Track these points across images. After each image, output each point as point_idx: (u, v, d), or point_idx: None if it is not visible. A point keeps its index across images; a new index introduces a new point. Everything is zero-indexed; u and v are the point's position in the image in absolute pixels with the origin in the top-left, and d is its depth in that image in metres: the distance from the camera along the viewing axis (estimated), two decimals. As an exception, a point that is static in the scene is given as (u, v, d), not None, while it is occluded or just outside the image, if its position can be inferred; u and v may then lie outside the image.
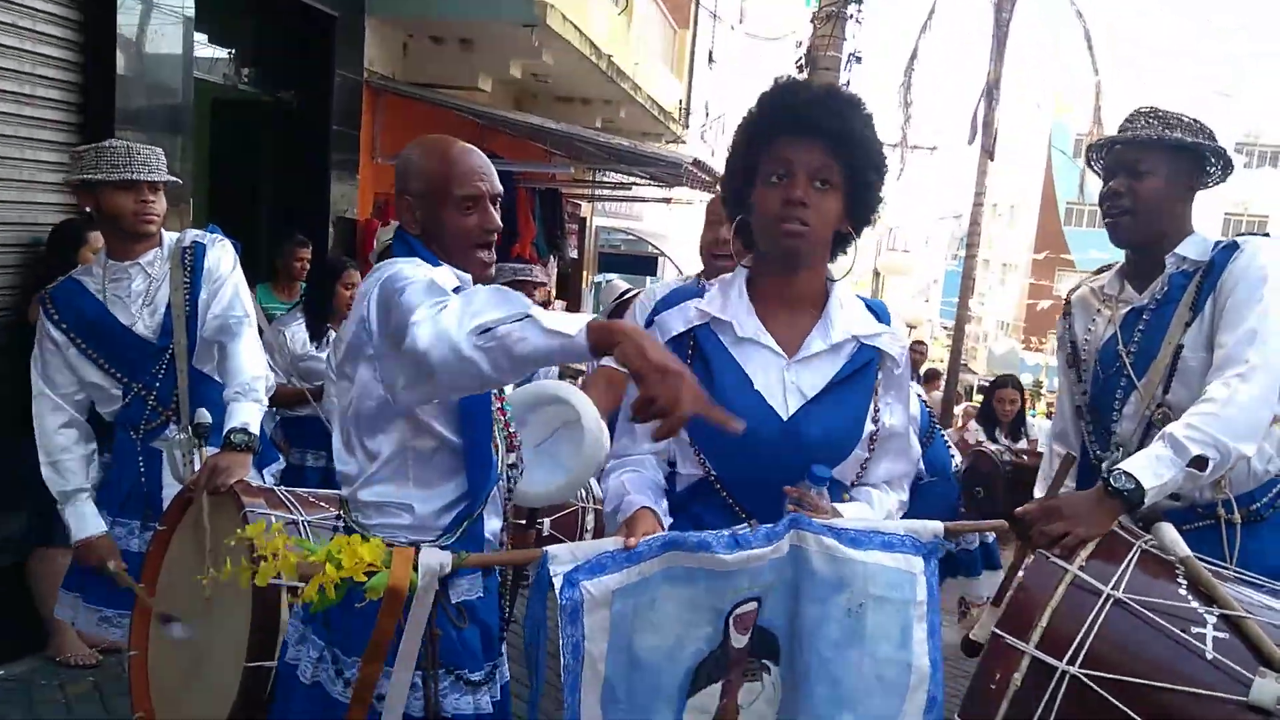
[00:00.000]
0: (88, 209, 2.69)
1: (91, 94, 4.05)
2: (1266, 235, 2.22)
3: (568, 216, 10.25)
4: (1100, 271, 2.67)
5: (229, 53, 5.66)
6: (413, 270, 1.66)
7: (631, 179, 9.98)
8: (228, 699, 1.94)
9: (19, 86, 3.79)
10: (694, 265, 2.87)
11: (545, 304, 5.42)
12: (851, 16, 9.32)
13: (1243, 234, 2.25)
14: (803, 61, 9.86)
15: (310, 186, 6.05)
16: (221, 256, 2.74)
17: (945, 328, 26.49)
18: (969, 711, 1.49)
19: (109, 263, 2.69)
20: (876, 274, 14.62)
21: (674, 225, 13.44)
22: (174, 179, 2.77)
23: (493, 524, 1.82)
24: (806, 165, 1.66)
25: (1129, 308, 2.26)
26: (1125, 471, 1.80)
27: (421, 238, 1.82)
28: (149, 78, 4.28)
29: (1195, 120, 2.24)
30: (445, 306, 1.46)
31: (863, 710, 1.51)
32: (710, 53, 13.30)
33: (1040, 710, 1.46)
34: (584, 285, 12.51)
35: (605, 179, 10.75)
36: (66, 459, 2.59)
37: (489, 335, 1.39)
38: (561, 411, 2.08)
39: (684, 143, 12.16)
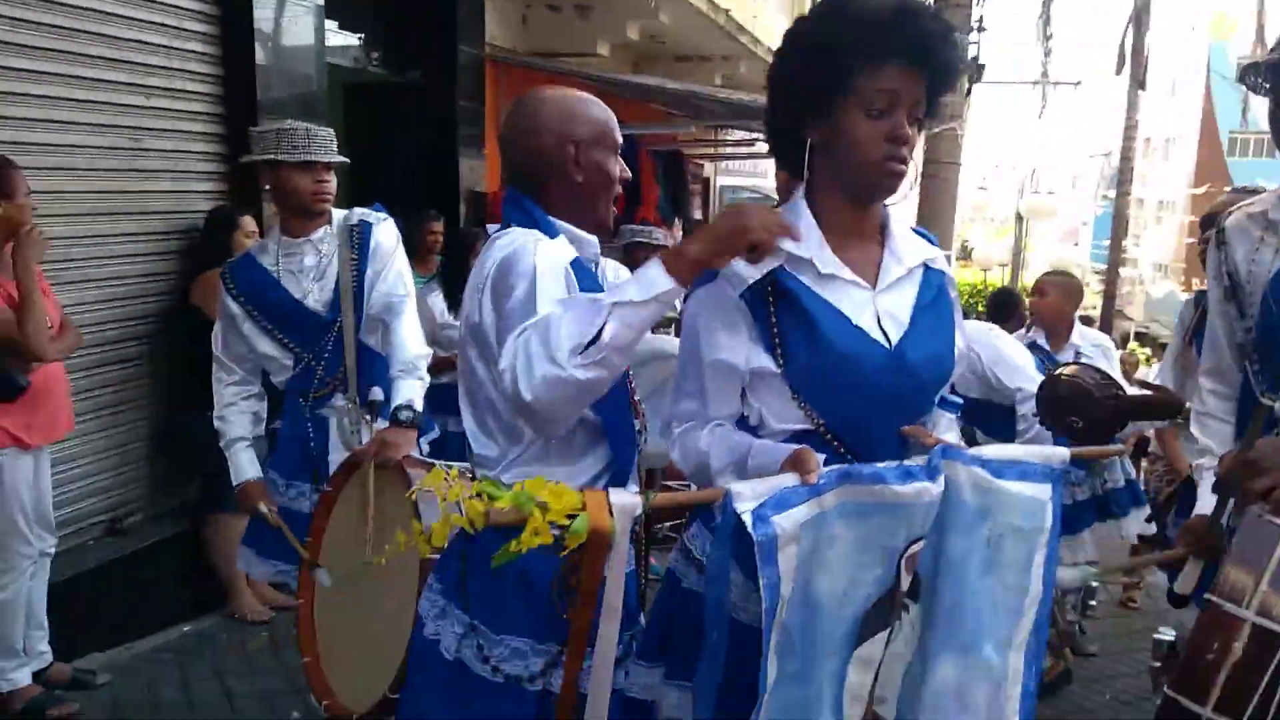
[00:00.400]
0: (267, 186, 2.82)
1: (233, 85, 4.28)
2: None
3: (691, 177, 10.19)
4: (1251, 194, 2.48)
5: (359, 37, 5.86)
6: (527, 262, 1.59)
7: (754, 135, 9.83)
8: (391, 668, 2.01)
9: (169, 82, 4.04)
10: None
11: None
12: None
13: None
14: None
15: (440, 162, 6.23)
16: (386, 235, 2.83)
17: (1097, 272, 25.06)
18: (1183, 685, 1.41)
19: (283, 239, 2.82)
20: (1019, 217, 13.91)
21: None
22: (345, 159, 2.88)
23: (632, 489, 1.77)
24: (910, 98, 1.53)
25: None
26: None
27: (550, 195, 1.75)
28: (286, 66, 4.49)
29: None
30: (530, 343, 1.41)
31: (993, 636, 1.48)
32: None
33: (1266, 680, 1.36)
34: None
35: (727, 137, 10.63)
36: (231, 413, 2.78)
37: (593, 350, 1.36)
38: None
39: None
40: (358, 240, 2.77)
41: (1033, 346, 4.27)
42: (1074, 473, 4.01)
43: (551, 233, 1.71)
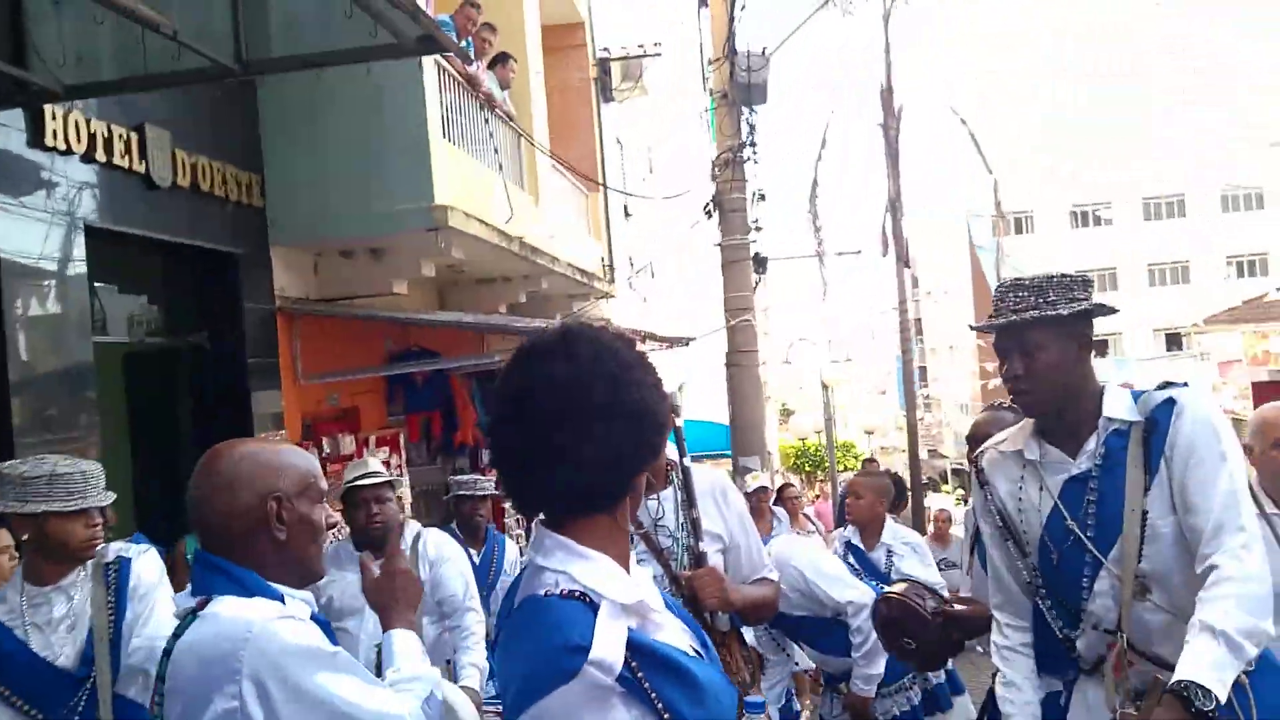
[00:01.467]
0: (25, 536, 2.53)
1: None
2: (1185, 384, 2.18)
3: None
4: (992, 415, 2.63)
5: (137, 307, 5.64)
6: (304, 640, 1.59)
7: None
8: None
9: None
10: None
11: (491, 516, 5.28)
12: (748, 160, 9.66)
13: (1166, 384, 2.19)
14: (710, 208, 10.17)
15: (232, 422, 5.94)
16: (146, 570, 2.60)
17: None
18: None
19: (27, 587, 2.53)
20: (825, 386, 14.83)
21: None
22: (113, 495, 2.64)
23: None
24: None
25: (1066, 475, 2.17)
26: (1201, 687, 1.76)
27: (254, 555, 1.67)
28: (46, 347, 4.21)
29: (1064, 276, 2.22)
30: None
31: None
32: (625, 208, 13.66)
33: None
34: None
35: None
36: None
37: None
38: None
39: (614, 296, 12.34)
40: (114, 580, 2.53)
41: (848, 546, 4.40)
42: (907, 676, 4.07)
43: (271, 595, 1.65)
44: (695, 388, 16.99)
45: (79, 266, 4.40)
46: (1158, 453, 2.07)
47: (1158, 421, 2.09)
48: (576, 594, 1.33)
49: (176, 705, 1.59)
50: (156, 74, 3.84)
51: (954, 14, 42.19)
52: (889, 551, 4.37)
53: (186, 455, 5.89)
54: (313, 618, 1.70)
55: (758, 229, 10.19)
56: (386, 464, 7.48)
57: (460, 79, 7.12)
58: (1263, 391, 19.29)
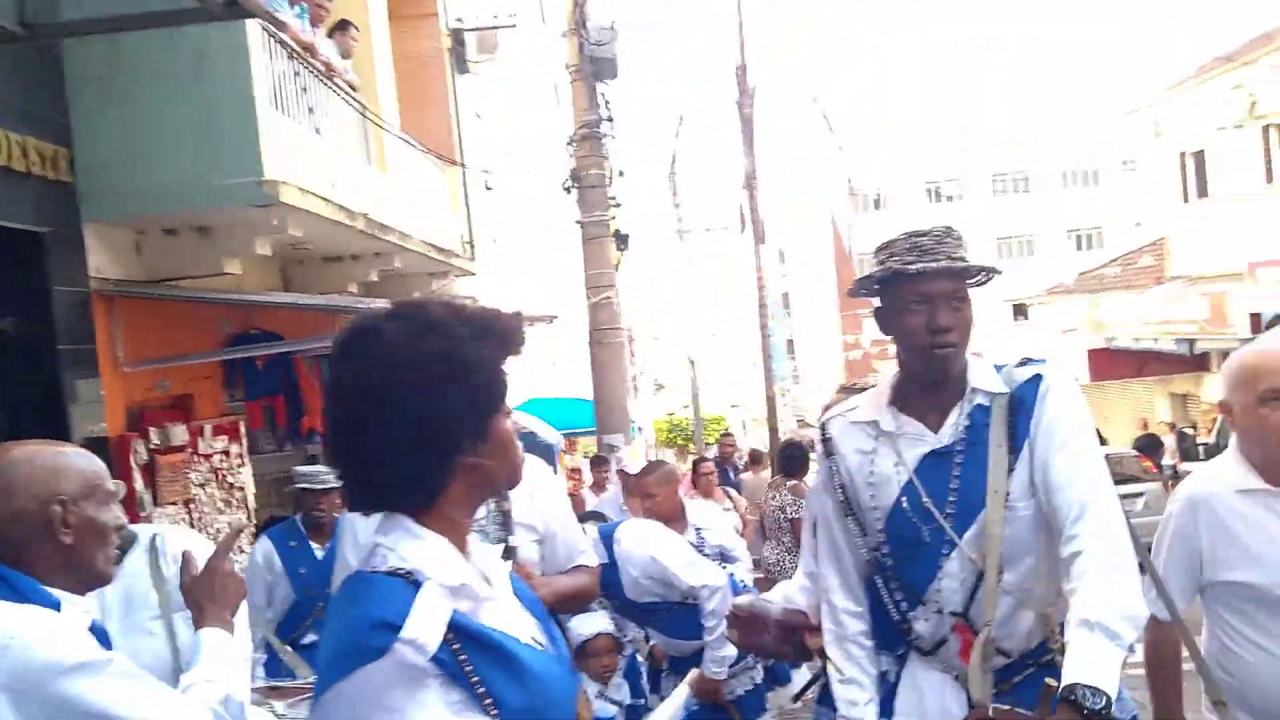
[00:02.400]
0: None
1: None
2: (1044, 360, 2.15)
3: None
4: (843, 397, 2.56)
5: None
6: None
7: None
8: None
9: None
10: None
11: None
12: (605, 135, 9.57)
13: (1028, 359, 2.14)
14: (569, 183, 10.06)
15: (46, 413, 5.51)
16: None
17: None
18: None
19: None
20: (691, 362, 14.98)
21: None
22: None
23: None
24: None
25: (926, 449, 2.06)
26: (1089, 687, 1.68)
27: (34, 560, 1.62)
28: None
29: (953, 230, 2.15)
30: None
31: None
32: (485, 183, 13.37)
33: None
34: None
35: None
36: None
37: None
38: None
39: (474, 275, 12.08)
40: None
41: None
42: (750, 656, 4.08)
43: (46, 601, 1.59)
44: (565, 366, 16.89)
45: None
46: (1023, 432, 2.00)
47: (1023, 399, 2.02)
48: (401, 572, 1.30)
49: None
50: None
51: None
52: (697, 532, 4.46)
53: None
54: (92, 627, 1.64)
55: (616, 205, 10.12)
56: (225, 454, 7.12)
57: (295, 46, 6.76)
58: (1098, 359, 20.58)
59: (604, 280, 9.85)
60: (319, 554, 4.57)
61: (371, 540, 1.37)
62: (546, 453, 10.71)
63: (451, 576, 1.32)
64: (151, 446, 6.24)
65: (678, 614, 3.89)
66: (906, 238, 2.10)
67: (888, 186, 43.64)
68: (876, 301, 2.17)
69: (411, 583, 1.28)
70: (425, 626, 1.25)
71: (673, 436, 33.47)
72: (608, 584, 3.49)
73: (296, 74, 6.64)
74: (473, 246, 12.43)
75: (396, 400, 1.31)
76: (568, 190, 9.82)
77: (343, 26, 8.01)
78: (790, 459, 5.82)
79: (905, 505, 2.05)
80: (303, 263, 8.78)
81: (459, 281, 11.78)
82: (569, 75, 9.52)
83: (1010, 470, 1.99)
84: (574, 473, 13.05)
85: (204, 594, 1.89)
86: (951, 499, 2.01)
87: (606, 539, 3.75)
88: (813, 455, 5.40)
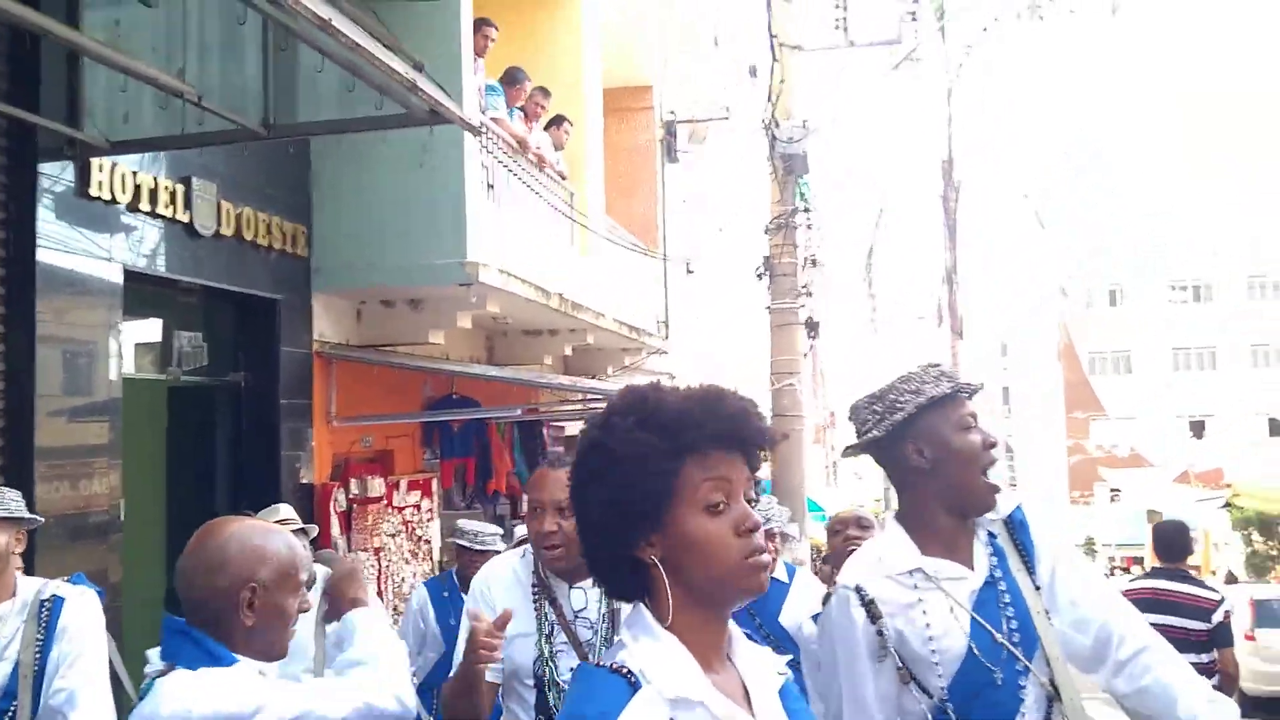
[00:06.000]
0: None
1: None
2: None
3: (549, 440, 10.38)
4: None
5: (176, 345, 5.98)
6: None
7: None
8: None
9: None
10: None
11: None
12: (800, 226, 9.72)
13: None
14: (762, 271, 10.24)
15: (263, 458, 6.23)
16: (80, 611, 2.67)
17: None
18: None
19: None
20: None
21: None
22: (34, 519, 2.79)
23: None
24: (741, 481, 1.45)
25: (974, 587, 2.01)
26: None
27: (226, 631, 1.79)
28: (75, 379, 4.52)
29: None
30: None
31: None
32: (687, 265, 13.82)
33: None
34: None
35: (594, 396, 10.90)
36: None
37: None
38: None
39: (666, 353, 12.43)
40: (46, 617, 2.61)
41: None
42: None
43: (229, 660, 1.77)
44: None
45: (114, 307, 4.72)
46: (1031, 555, 2.05)
47: (1017, 523, 2.06)
48: (624, 670, 1.27)
49: None
50: (189, 134, 4.15)
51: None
52: None
53: (221, 485, 6.20)
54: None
55: (808, 294, 10.19)
56: (416, 507, 7.70)
57: (509, 139, 7.41)
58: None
59: (788, 366, 9.91)
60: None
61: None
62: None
63: (674, 686, 1.24)
64: (351, 495, 6.86)
65: None
66: (924, 371, 2.12)
67: (1123, 284, 41.03)
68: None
69: (632, 684, 1.24)
70: None
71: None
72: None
73: (507, 166, 7.26)
74: (667, 325, 12.84)
75: (577, 488, 1.39)
76: (759, 277, 10.00)
77: (557, 121, 8.66)
78: (1169, 545, 5.86)
79: (976, 650, 1.95)
80: (505, 334, 9.44)
81: (651, 359, 12.20)
82: (768, 167, 9.77)
83: (1038, 589, 2.01)
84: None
85: (352, 586, 2.12)
86: (1013, 633, 1.97)
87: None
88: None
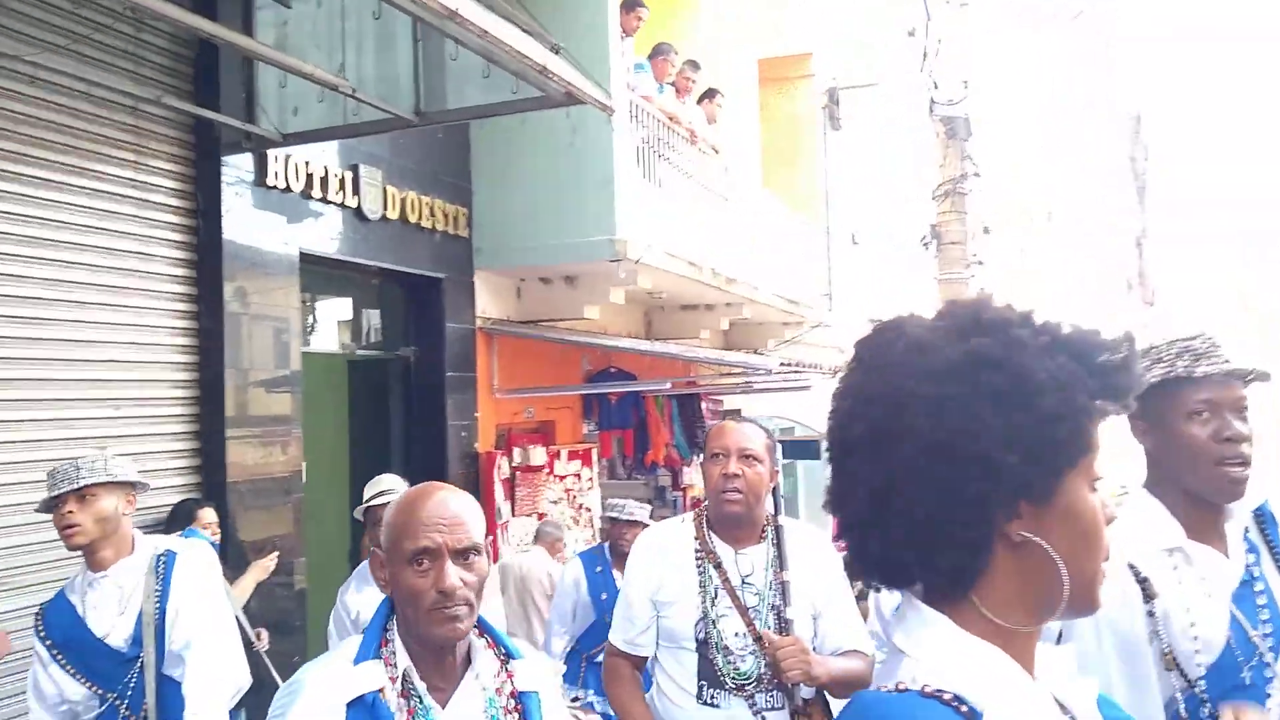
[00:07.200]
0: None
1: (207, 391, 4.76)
2: None
3: (707, 413, 10.48)
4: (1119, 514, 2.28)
5: (352, 322, 6.45)
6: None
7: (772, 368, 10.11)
8: None
9: (142, 391, 4.52)
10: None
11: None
12: (969, 192, 9.35)
13: None
14: (928, 239, 9.93)
15: (432, 428, 6.64)
16: (191, 563, 2.82)
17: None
18: None
19: (87, 573, 2.77)
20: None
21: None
22: (95, 480, 2.66)
23: None
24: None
25: (1235, 578, 1.84)
26: None
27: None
28: (260, 355, 4.97)
29: None
30: None
31: None
32: (853, 236, 13.51)
33: None
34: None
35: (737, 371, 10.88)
36: None
37: None
38: None
39: (829, 326, 12.22)
40: (162, 572, 2.76)
41: None
42: None
43: (370, 654, 1.60)
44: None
45: (293, 288, 5.15)
46: (1278, 546, 1.87)
47: (1266, 513, 1.89)
48: (945, 697, 0.90)
49: None
50: (348, 124, 4.47)
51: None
52: None
53: (395, 452, 6.66)
54: None
55: (979, 263, 9.79)
56: (577, 476, 7.98)
57: (661, 115, 7.49)
58: None
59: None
60: (619, 582, 4.99)
61: (890, 641, 1.00)
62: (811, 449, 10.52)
63: (1022, 713, 0.92)
64: (514, 464, 7.20)
65: None
66: (1169, 344, 1.91)
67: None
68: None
69: (963, 714, 0.89)
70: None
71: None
72: None
73: (657, 141, 7.35)
74: (830, 298, 12.61)
75: (905, 425, 0.94)
76: (925, 246, 9.69)
77: (710, 94, 8.66)
78: None
79: (1233, 644, 1.78)
80: (663, 309, 9.58)
81: (813, 333, 12.02)
82: (934, 128, 9.43)
83: None
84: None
85: None
86: (1266, 632, 1.79)
87: None
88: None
